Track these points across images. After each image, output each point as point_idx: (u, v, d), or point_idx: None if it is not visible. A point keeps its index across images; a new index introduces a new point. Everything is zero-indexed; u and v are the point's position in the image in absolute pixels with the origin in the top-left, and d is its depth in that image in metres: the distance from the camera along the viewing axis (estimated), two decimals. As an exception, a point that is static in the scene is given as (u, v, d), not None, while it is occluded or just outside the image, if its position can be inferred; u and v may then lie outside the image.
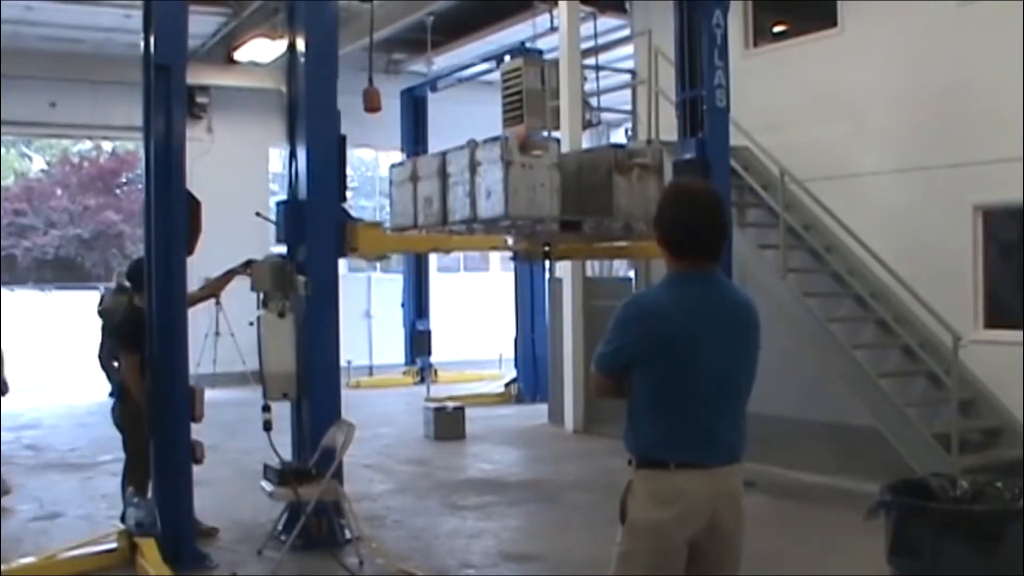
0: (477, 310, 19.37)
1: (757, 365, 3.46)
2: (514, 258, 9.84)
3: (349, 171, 7.69)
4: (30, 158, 43.61)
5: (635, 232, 7.88)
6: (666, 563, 3.31)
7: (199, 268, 7.75)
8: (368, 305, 18.69)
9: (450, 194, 7.48)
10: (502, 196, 6.95)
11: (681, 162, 8.61)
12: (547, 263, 11.51)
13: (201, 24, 14.19)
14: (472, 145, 7.29)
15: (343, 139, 7.17)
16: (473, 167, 7.21)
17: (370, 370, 17.59)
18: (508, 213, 7.00)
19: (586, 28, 12.28)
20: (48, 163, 43.82)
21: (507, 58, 10.57)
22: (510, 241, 8.66)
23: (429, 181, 7.72)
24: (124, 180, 41.60)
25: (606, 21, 13.28)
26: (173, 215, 6.36)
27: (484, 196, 7.11)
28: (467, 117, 13.57)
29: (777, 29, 11.42)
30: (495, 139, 7.14)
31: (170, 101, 6.36)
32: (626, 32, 13.31)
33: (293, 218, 7.16)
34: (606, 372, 3.45)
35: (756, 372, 3.46)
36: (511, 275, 16.28)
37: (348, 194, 7.63)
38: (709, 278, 3.40)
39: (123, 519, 6.72)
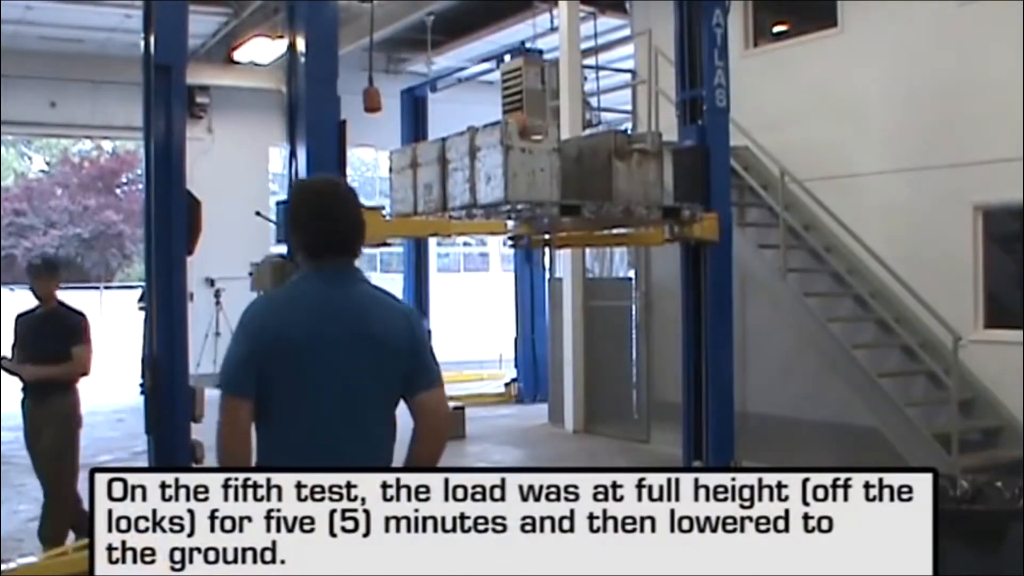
0: (477, 310, 19.35)
1: (397, 376, 3.16)
2: (514, 245, 9.83)
3: (349, 171, 7.68)
4: (30, 158, 43.68)
5: (635, 216, 7.90)
6: None
7: (199, 268, 7.75)
8: (368, 305, 18.67)
9: (450, 180, 7.45)
10: (502, 181, 6.92)
11: (681, 149, 8.60)
12: (547, 252, 11.42)
13: (201, 24, 14.19)
14: (472, 131, 7.30)
15: (343, 124, 7.17)
16: (473, 152, 7.18)
17: (370, 370, 17.56)
18: (508, 198, 6.97)
19: (586, 28, 12.29)
20: (48, 163, 43.91)
21: (507, 58, 10.54)
22: (510, 225, 8.66)
23: (429, 167, 7.70)
24: (124, 180, 41.69)
25: (606, 21, 13.28)
26: (173, 215, 6.36)
27: (484, 181, 7.08)
28: (467, 117, 13.49)
29: (777, 29, 11.42)
30: (495, 124, 7.14)
31: (170, 101, 6.34)
32: (626, 32, 13.30)
33: (293, 218, 7.14)
34: (241, 391, 3.10)
35: (393, 383, 3.16)
36: (511, 275, 16.28)
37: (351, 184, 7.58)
38: (342, 276, 3.22)
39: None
